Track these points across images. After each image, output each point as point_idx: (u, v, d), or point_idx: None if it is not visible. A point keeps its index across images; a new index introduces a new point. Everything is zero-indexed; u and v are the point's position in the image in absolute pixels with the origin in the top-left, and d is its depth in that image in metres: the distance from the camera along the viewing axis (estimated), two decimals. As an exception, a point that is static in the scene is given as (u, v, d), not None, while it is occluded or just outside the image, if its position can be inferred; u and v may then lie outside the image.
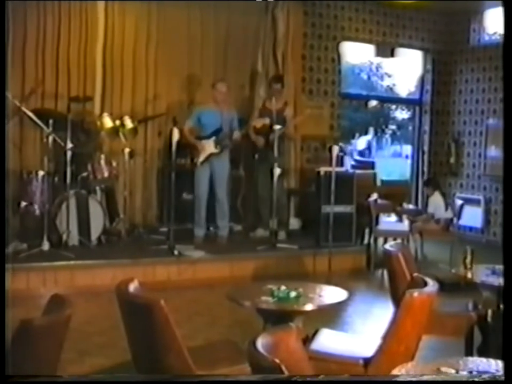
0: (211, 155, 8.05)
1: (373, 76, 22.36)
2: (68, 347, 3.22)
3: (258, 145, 8.58)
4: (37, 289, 6.52)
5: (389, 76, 21.71)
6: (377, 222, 8.82)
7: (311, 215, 8.77)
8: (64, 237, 7.38)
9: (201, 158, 8.02)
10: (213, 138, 8.02)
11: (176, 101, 9.05)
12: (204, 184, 8.10)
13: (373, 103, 12.67)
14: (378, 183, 10.42)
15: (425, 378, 2.69)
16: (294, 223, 9.45)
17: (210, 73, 9.07)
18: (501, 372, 2.71)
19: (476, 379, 2.67)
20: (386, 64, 19.50)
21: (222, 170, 8.18)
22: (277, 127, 7.98)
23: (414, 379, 2.69)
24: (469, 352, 4.61)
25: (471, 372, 2.76)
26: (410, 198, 11.33)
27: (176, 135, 7.46)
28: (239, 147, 9.15)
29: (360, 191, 8.55)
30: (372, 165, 13.09)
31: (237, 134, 8.24)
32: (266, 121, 8.37)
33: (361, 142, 20.94)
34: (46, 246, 7.06)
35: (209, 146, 8.03)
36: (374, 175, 10.58)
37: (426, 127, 11.68)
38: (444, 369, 2.77)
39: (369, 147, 20.98)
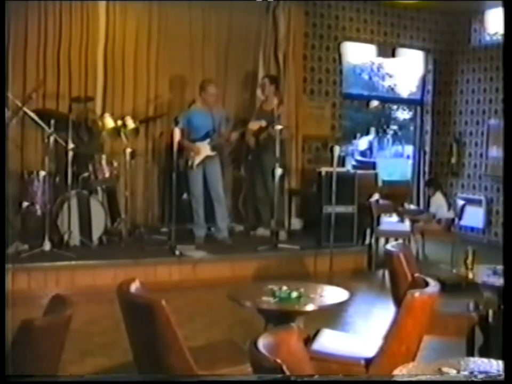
0: (207, 157, 8.05)
1: (374, 76, 22.31)
2: (69, 347, 3.23)
3: (250, 145, 8.61)
4: (38, 289, 6.52)
5: (390, 76, 21.67)
6: (378, 222, 8.83)
7: (313, 216, 8.76)
8: (66, 237, 7.39)
9: (197, 160, 8.01)
10: (207, 140, 8.02)
11: (177, 101, 9.05)
12: (198, 184, 8.10)
13: (374, 103, 12.66)
14: (380, 183, 10.40)
15: (426, 378, 2.69)
16: (295, 223, 9.45)
17: (212, 74, 9.08)
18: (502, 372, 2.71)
19: (477, 379, 2.67)
20: (388, 64, 19.45)
21: (214, 170, 8.17)
22: (278, 127, 7.97)
23: (415, 379, 2.69)
24: (470, 353, 4.61)
25: (472, 372, 2.76)
26: (412, 198, 11.33)
27: (177, 136, 7.47)
28: (240, 147, 9.18)
29: (361, 192, 8.55)
30: (373, 165, 13.08)
31: (234, 135, 8.26)
32: (263, 123, 8.37)
33: (362, 142, 20.92)
34: (47, 246, 7.06)
35: (204, 149, 8.02)
36: (376, 175, 10.57)
37: (428, 127, 11.67)
38: (445, 369, 2.77)
39: (370, 147, 20.96)
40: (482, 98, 10.76)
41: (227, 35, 9.34)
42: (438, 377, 2.69)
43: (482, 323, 4.71)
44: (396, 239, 8.30)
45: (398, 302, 4.06)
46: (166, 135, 8.73)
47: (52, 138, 7.32)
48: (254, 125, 8.51)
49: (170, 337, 3.36)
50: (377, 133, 22.27)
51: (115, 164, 7.95)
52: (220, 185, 8.22)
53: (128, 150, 8.03)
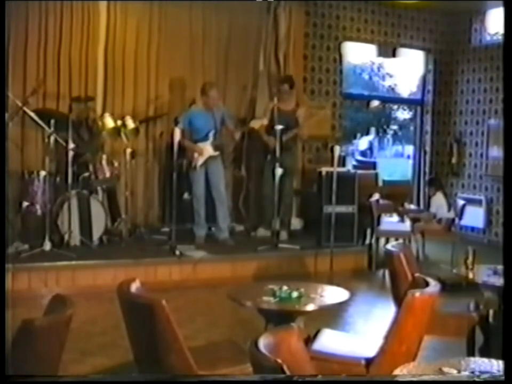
0: (209, 157, 8.05)
1: (375, 76, 22.34)
2: (70, 347, 3.22)
3: (270, 146, 8.46)
4: (39, 289, 6.53)
5: (391, 76, 21.70)
6: (378, 222, 8.82)
7: (313, 215, 8.76)
8: (66, 237, 7.39)
9: (200, 161, 8.01)
10: (210, 140, 8.02)
11: (177, 101, 9.05)
12: (200, 185, 8.10)
13: (375, 103, 12.62)
14: (380, 183, 10.40)
15: (427, 378, 2.69)
16: (296, 223, 9.44)
17: (212, 74, 9.08)
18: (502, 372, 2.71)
19: (477, 379, 2.67)
20: (388, 64, 19.48)
21: (217, 170, 8.17)
22: (279, 127, 7.95)
23: (415, 379, 2.69)
24: (470, 353, 4.60)
25: (472, 372, 2.76)
26: (412, 198, 11.33)
27: (177, 135, 7.47)
28: (240, 147, 9.18)
29: (361, 191, 8.54)
30: (373, 165, 13.06)
31: (237, 135, 8.27)
32: (264, 121, 8.34)
33: (363, 142, 20.95)
34: (47, 246, 7.06)
35: (207, 149, 8.02)
36: (376, 175, 10.57)
37: (428, 127, 11.67)
38: (445, 369, 2.77)
39: (370, 147, 21.00)
40: (483, 98, 10.76)
41: (227, 35, 9.33)
42: (440, 377, 2.68)
43: (483, 323, 4.71)
44: (396, 239, 8.30)
45: (398, 302, 4.06)
46: (166, 135, 8.73)
47: (52, 138, 7.32)
48: (255, 124, 8.48)
49: (171, 337, 3.36)
50: (377, 133, 22.30)
51: (115, 164, 7.95)
52: (222, 185, 8.22)
53: (129, 150, 8.03)
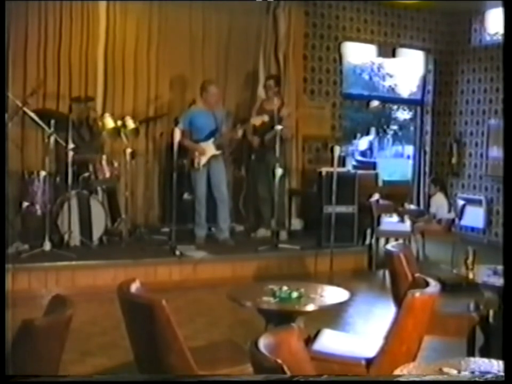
0: (212, 157, 8.05)
1: (375, 76, 22.34)
2: (70, 347, 3.22)
3: (254, 145, 8.59)
4: (39, 289, 6.52)
5: (391, 76, 21.70)
6: (379, 223, 8.83)
7: (313, 216, 8.76)
8: (66, 237, 7.39)
9: (203, 161, 8.01)
10: (212, 139, 8.02)
11: (177, 101, 9.05)
12: (202, 185, 8.10)
13: (375, 103, 12.67)
14: (380, 183, 10.41)
15: (427, 378, 2.69)
16: (296, 223, 9.45)
17: (212, 74, 9.08)
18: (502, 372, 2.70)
19: (478, 379, 2.67)
20: (388, 64, 19.49)
21: (219, 170, 8.17)
22: (279, 127, 7.97)
23: (416, 379, 2.69)
24: (470, 353, 4.60)
25: (473, 373, 2.76)
26: (412, 199, 11.33)
27: (177, 136, 7.47)
28: (241, 147, 9.18)
29: (361, 192, 8.54)
30: (373, 165, 13.07)
31: (240, 132, 8.27)
32: (265, 118, 8.34)
33: (363, 143, 20.95)
34: (47, 246, 7.05)
35: (209, 149, 8.02)
36: (376, 175, 10.58)
37: (428, 128, 11.66)
38: (445, 369, 2.77)
39: (370, 147, 20.99)
40: (483, 98, 10.76)
41: (227, 35, 9.34)
42: (440, 378, 2.68)
43: (483, 323, 4.70)
44: (396, 239, 8.31)
45: (399, 302, 4.06)
46: (166, 135, 8.73)
47: (52, 138, 7.33)
48: (256, 120, 8.47)
49: (171, 337, 3.36)
50: (377, 133, 22.30)
51: (115, 164, 7.95)
52: (223, 185, 8.22)
53: (129, 150, 8.03)
